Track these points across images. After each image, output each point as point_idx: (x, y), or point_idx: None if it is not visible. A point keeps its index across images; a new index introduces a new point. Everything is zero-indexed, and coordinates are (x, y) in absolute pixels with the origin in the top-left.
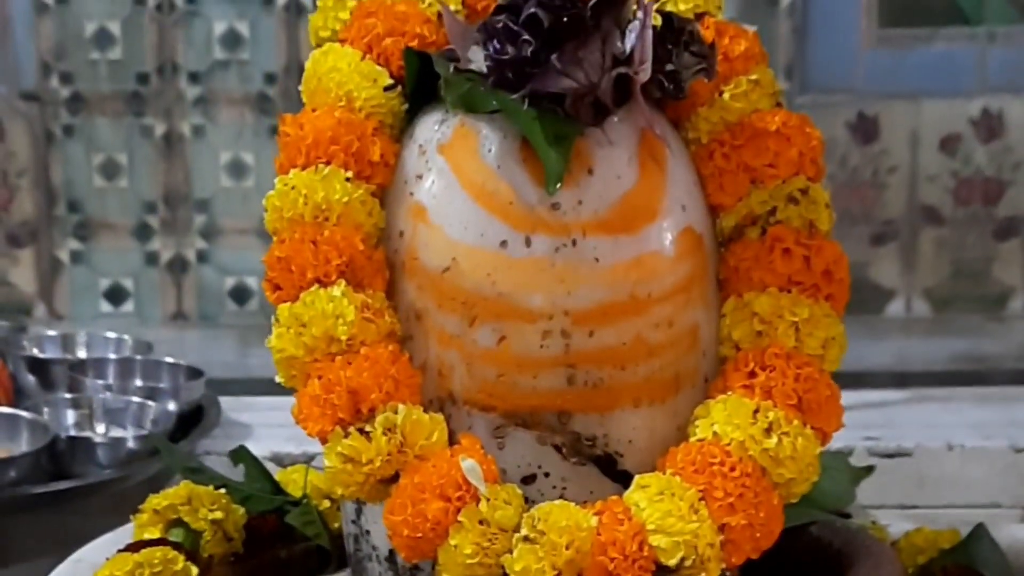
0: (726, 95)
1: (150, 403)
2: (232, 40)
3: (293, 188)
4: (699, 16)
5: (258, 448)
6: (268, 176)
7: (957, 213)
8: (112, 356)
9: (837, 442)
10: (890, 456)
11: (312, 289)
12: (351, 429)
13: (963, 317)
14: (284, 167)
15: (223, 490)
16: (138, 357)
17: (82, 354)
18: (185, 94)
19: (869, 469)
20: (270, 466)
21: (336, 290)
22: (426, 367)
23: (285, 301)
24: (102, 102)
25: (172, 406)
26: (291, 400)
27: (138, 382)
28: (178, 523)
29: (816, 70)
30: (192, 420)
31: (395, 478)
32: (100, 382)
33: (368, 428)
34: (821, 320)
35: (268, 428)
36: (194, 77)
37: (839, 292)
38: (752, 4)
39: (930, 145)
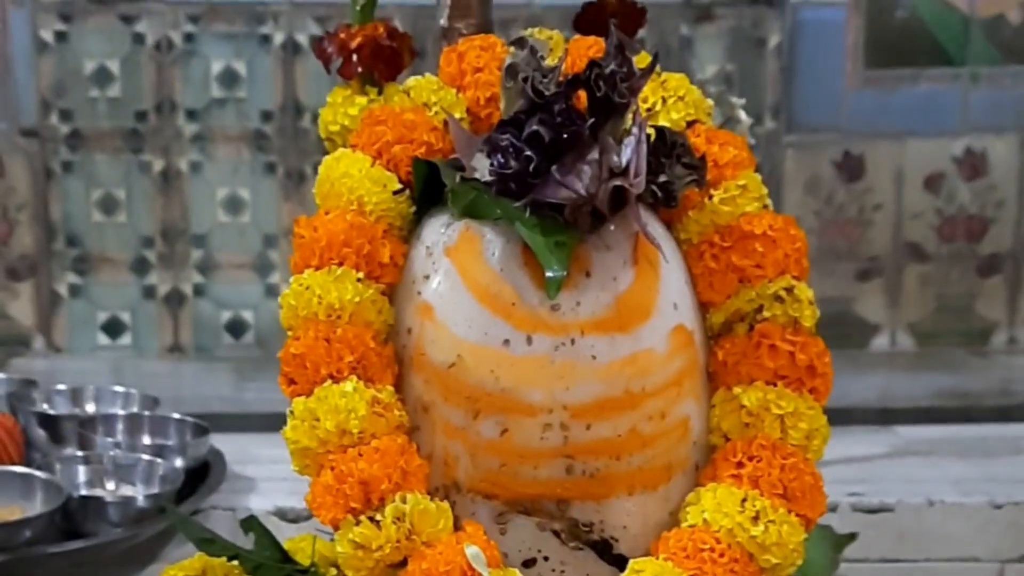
0: (716, 199)
1: (159, 460)
2: (229, 78)
3: (308, 288)
4: (691, 123)
5: (262, 502)
6: (264, 212)
7: (941, 250)
8: (120, 412)
9: None
10: (873, 512)
11: (326, 384)
12: (362, 517)
13: (947, 352)
14: (299, 267)
15: (235, 561)
16: (146, 413)
17: (91, 408)
18: (183, 131)
19: (852, 536)
20: (274, 520)
21: (348, 386)
22: (433, 457)
23: (300, 395)
24: (101, 139)
25: (179, 462)
26: None
27: (146, 439)
28: None
29: (803, 110)
30: (198, 475)
31: (404, 563)
32: (110, 440)
33: (378, 517)
34: (805, 413)
35: (271, 482)
36: (192, 115)
37: (822, 385)
38: (740, 45)
39: (915, 183)
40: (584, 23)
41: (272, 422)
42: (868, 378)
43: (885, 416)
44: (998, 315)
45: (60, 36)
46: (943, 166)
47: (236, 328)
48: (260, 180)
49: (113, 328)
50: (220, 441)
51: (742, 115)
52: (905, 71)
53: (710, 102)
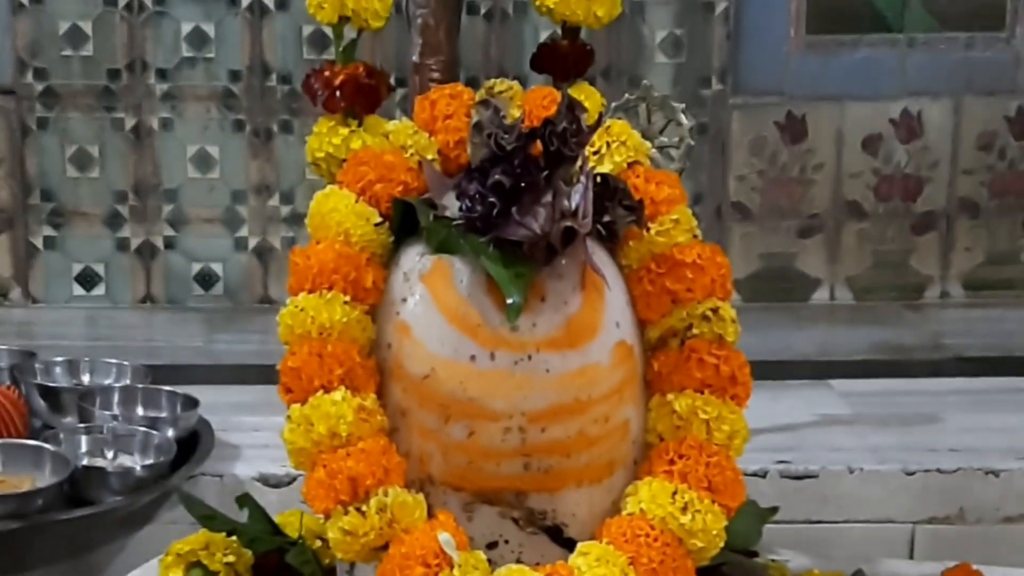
0: (652, 231)
1: (154, 432)
2: (199, 39)
3: (302, 310)
4: (631, 164)
5: (247, 469)
6: (232, 168)
7: (878, 208)
8: (115, 384)
9: (753, 464)
10: (798, 478)
11: (318, 394)
12: (350, 508)
13: (883, 305)
14: (294, 290)
15: (234, 536)
16: (139, 386)
17: (86, 379)
18: (154, 90)
19: (774, 510)
20: (258, 486)
21: (338, 395)
22: (409, 455)
23: (296, 403)
24: (75, 97)
25: (171, 433)
26: (273, 421)
27: (140, 410)
28: (197, 565)
29: (748, 73)
30: (188, 444)
31: (385, 547)
32: (107, 412)
33: (364, 508)
34: (728, 417)
35: (255, 449)
36: (162, 74)
37: (743, 393)
38: (688, 11)
39: (854, 144)
40: (539, 63)
41: (240, 373)
42: (809, 331)
43: (822, 369)
44: (931, 270)
45: None
46: (880, 128)
47: (206, 280)
48: (228, 137)
49: (87, 279)
50: (205, 409)
51: (683, 118)
52: (845, 37)
53: (648, 147)
